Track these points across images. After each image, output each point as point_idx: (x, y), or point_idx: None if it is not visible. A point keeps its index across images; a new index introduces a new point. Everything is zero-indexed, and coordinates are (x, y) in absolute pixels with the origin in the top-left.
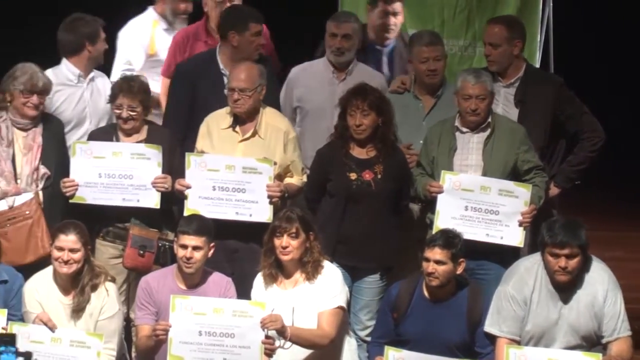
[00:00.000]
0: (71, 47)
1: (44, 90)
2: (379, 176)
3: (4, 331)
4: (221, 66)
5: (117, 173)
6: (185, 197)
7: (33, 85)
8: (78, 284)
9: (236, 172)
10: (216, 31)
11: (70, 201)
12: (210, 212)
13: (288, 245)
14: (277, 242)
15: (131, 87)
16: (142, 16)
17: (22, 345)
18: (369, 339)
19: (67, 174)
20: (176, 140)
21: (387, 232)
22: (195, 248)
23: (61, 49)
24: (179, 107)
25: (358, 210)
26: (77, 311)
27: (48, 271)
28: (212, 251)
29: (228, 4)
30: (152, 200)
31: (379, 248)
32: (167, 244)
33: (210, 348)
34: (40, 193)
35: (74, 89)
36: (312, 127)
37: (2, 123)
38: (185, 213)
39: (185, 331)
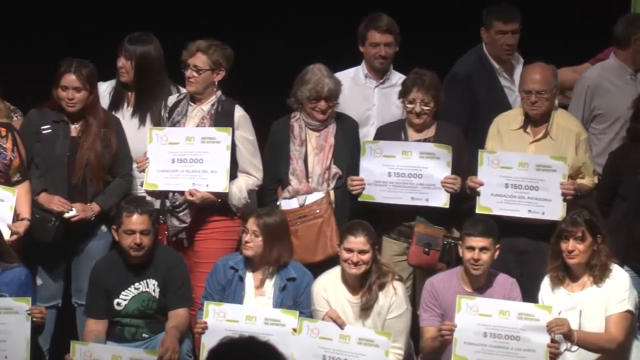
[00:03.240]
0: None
1: (331, 95)
2: None
3: (294, 332)
4: (495, 65)
5: (407, 172)
6: (477, 194)
7: (318, 92)
8: (366, 283)
9: (529, 170)
10: None
11: (359, 199)
12: (502, 209)
13: (574, 249)
14: (563, 245)
15: (424, 82)
16: None
17: (313, 341)
18: None
19: (358, 174)
20: (464, 138)
21: None
22: (481, 249)
23: None
24: (460, 109)
25: None
26: (365, 310)
27: (336, 270)
28: (497, 252)
29: None
30: (441, 200)
31: None
32: (452, 241)
33: (494, 350)
34: (332, 192)
35: (361, 89)
36: (612, 131)
37: (296, 122)
38: (478, 211)
39: (470, 332)
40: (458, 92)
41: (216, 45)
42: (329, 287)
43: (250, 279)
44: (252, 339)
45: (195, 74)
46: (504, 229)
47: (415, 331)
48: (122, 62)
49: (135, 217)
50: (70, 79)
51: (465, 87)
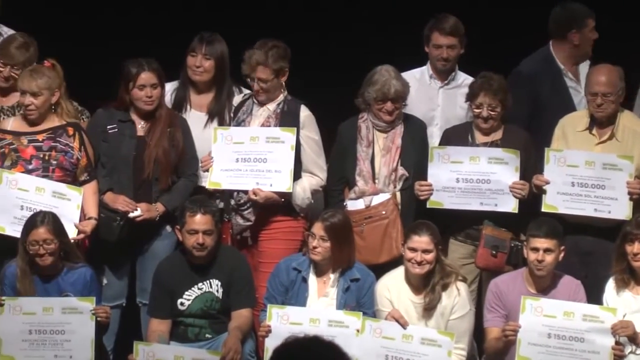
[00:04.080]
0: None
1: (397, 97)
2: None
3: (357, 333)
4: (561, 66)
5: (475, 178)
6: (543, 193)
7: (384, 93)
8: (429, 283)
9: (596, 168)
10: None
11: (428, 206)
12: (568, 208)
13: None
14: (628, 248)
15: (492, 86)
16: None
17: (375, 341)
18: None
19: (425, 177)
20: (532, 141)
21: None
22: (545, 251)
23: None
24: (519, 108)
25: None
26: (428, 310)
27: (399, 271)
28: (562, 254)
29: None
30: (509, 205)
31: None
32: (519, 244)
33: (558, 351)
34: (398, 194)
35: (426, 89)
36: None
37: (363, 123)
38: (543, 209)
39: (534, 333)
40: (519, 93)
41: (271, 49)
42: (392, 287)
43: (313, 280)
44: (317, 339)
45: (263, 85)
46: (568, 228)
47: (478, 333)
48: (199, 61)
49: (199, 217)
50: (147, 76)
51: (528, 86)
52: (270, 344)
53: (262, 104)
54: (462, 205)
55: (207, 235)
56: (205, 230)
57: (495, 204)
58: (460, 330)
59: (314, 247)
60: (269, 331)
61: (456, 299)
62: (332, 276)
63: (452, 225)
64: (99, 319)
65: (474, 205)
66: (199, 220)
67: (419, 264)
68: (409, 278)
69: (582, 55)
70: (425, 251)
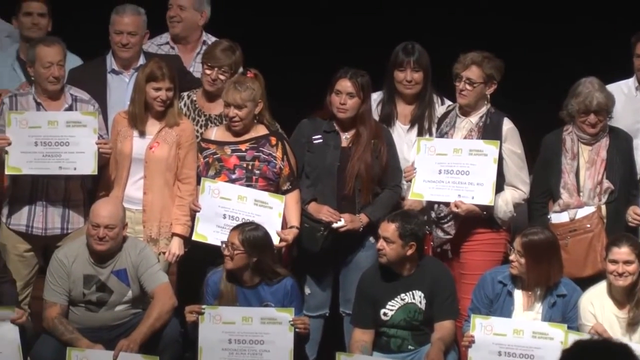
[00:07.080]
0: None
1: (600, 109)
2: None
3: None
4: None
5: None
6: None
7: (587, 106)
8: (634, 298)
9: None
10: None
11: None
12: None
13: None
14: None
15: None
16: None
17: None
18: None
19: (630, 191)
20: None
21: None
22: None
23: None
24: None
25: None
26: (632, 325)
27: (603, 285)
28: None
29: None
30: None
31: None
32: None
33: None
34: (603, 207)
35: (632, 101)
36: None
37: (567, 136)
38: None
39: None
40: None
41: (489, 57)
42: (596, 302)
43: (519, 294)
44: (608, 340)
45: (468, 87)
46: None
47: None
48: (409, 75)
49: (383, 224)
50: (345, 84)
51: None
52: (474, 355)
53: (464, 113)
54: None
55: (386, 242)
56: (385, 237)
57: None
58: None
59: (512, 261)
60: (472, 341)
61: None
62: (538, 290)
63: None
64: (297, 330)
65: None
66: (382, 227)
67: (621, 275)
68: (612, 292)
69: None
70: (626, 262)
